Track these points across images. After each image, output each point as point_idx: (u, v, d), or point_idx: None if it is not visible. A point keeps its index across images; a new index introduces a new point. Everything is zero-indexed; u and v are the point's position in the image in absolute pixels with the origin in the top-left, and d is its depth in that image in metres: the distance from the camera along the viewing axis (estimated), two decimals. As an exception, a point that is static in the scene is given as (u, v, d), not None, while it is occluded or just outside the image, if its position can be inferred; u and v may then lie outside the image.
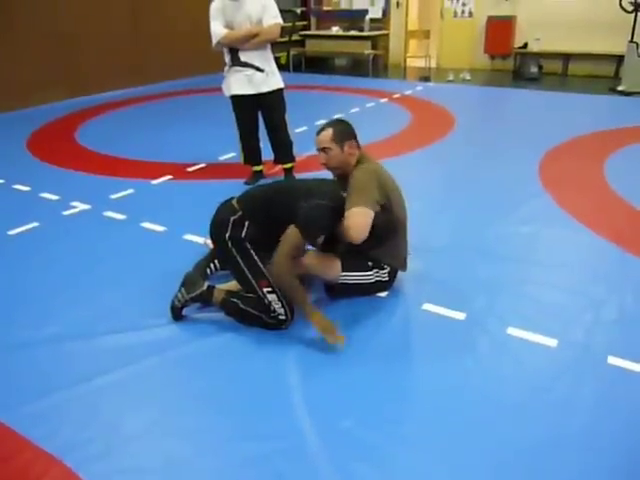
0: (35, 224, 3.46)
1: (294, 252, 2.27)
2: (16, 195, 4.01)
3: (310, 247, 2.46)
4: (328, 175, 2.62)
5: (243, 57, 3.78)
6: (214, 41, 3.76)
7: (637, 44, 7.33)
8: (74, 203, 3.79)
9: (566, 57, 9.05)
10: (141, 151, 5.01)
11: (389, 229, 2.43)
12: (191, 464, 1.71)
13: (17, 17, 6.64)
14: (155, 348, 2.25)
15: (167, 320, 2.42)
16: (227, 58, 3.85)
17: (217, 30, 3.72)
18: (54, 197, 3.93)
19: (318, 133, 2.52)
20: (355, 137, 2.51)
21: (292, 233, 2.23)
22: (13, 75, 6.65)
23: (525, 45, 9.26)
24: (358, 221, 2.26)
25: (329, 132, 2.47)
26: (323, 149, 2.48)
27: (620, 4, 7.52)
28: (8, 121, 6.39)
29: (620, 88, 7.44)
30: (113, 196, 3.92)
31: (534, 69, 8.81)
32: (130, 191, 4.02)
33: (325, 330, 2.19)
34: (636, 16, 7.40)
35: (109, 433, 1.83)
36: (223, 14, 3.70)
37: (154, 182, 4.22)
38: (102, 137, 5.56)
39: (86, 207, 3.73)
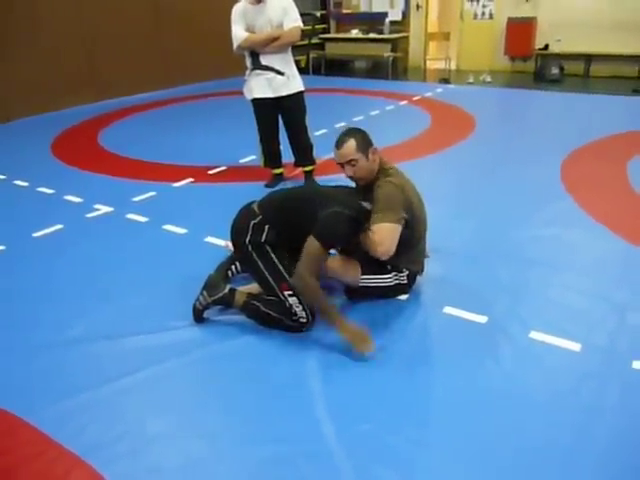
0: (59, 226, 3.52)
1: (315, 267, 2.23)
2: (40, 197, 4.09)
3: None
4: (346, 180, 2.60)
5: (264, 60, 3.81)
6: (235, 45, 3.80)
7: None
8: (97, 205, 3.85)
9: (588, 58, 8.92)
10: (163, 154, 5.07)
11: (408, 245, 2.43)
12: (211, 465, 1.73)
13: (43, 21, 6.77)
14: (178, 350, 2.27)
15: (189, 322, 2.44)
16: (248, 62, 3.88)
17: (238, 34, 3.75)
18: (77, 199, 4.00)
19: (339, 146, 2.43)
20: (372, 144, 2.49)
21: (311, 246, 2.20)
22: (37, 79, 6.77)
23: (546, 46, 9.16)
24: (387, 238, 2.27)
25: (352, 143, 2.40)
26: (349, 161, 2.43)
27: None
28: (32, 125, 6.52)
29: (644, 89, 7.32)
30: (135, 199, 3.97)
31: (555, 70, 8.70)
32: (152, 194, 4.07)
33: (356, 340, 2.18)
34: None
35: (133, 433, 1.86)
36: (244, 18, 3.73)
37: (175, 185, 4.27)
38: (124, 140, 5.64)
39: (109, 209, 3.79)
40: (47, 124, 6.44)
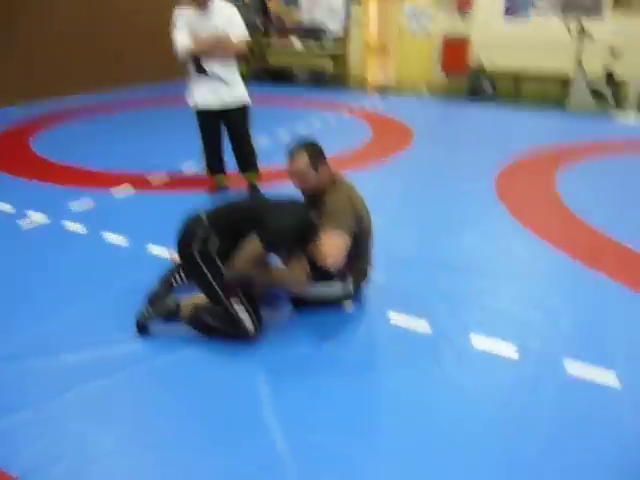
0: (-12, 236, 3.35)
1: (251, 261, 2.28)
2: (-33, 205, 3.87)
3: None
4: (289, 190, 2.62)
5: (208, 68, 3.78)
6: (180, 52, 3.74)
7: (583, 66, 7.71)
8: (30, 214, 3.68)
9: (518, 76, 9.40)
10: (100, 161, 4.91)
11: (355, 255, 2.48)
12: (160, 481, 1.69)
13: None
14: (120, 364, 2.21)
15: (132, 335, 2.38)
16: (192, 68, 3.84)
17: (183, 41, 3.70)
18: (8, 207, 3.80)
19: (291, 158, 2.47)
20: (325, 156, 2.53)
21: (251, 243, 2.26)
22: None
23: (479, 64, 9.57)
24: (336, 250, 2.29)
25: (304, 158, 2.44)
26: (299, 175, 2.47)
27: (567, 29, 7.89)
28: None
29: (569, 107, 7.80)
30: (72, 207, 3.83)
31: (488, 87, 9.11)
32: (90, 202, 3.93)
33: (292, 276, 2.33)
34: (582, 39, 7.78)
35: (75, 452, 1.79)
36: (188, 25, 3.70)
37: (115, 193, 4.15)
38: (59, 145, 5.42)
39: (43, 218, 3.63)
40: (-28, 127, 6.10)
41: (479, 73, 9.38)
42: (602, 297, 2.77)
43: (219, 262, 2.33)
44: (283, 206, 2.37)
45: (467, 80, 9.65)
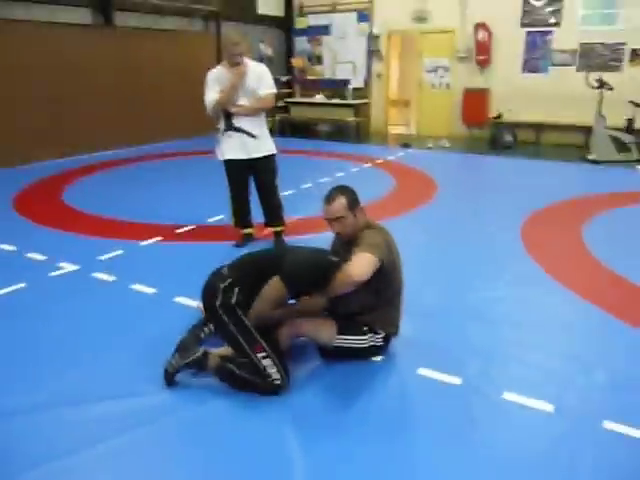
0: (21, 285, 3.41)
1: (274, 303, 2.33)
2: (1, 255, 3.96)
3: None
4: (316, 238, 2.64)
5: (237, 123, 3.90)
6: (208, 107, 3.89)
7: (603, 117, 7.76)
8: (61, 264, 3.76)
9: (538, 127, 9.50)
10: (129, 212, 5.03)
11: (385, 301, 2.46)
12: (188, 541, 1.64)
13: (8, 75, 6.76)
14: (148, 416, 2.19)
15: (160, 386, 2.36)
16: (221, 124, 3.97)
17: (210, 98, 3.86)
18: (41, 257, 3.89)
19: (329, 203, 2.49)
20: (359, 202, 2.56)
21: (272, 286, 2.29)
22: (3, 133, 6.70)
23: (499, 115, 9.71)
24: (362, 265, 2.30)
25: (342, 201, 2.46)
26: (337, 218, 2.48)
27: (586, 81, 8.01)
28: (-7, 180, 6.39)
29: (590, 157, 7.81)
30: (101, 257, 3.90)
31: (509, 138, 9.20)
32: (119, 252, 4.00)
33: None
34: (601, 92, 7.87)
35: (101, 508, 1.75)
36: (218, 82, 3.84)
37: (143, 243, 4.22)
38: (89, 197, 5.58)
39: (74, 268, 3.70)
40: (8, 179, 6.33)
41: (500, 124, 9.51)
42: (633, 346, 2.69)
43: (242, 314, 2.33)
44: (304, 251, 2.40)
45: (488, 131, 9.79)
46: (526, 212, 5.06)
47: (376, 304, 2.42)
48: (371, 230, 2.52)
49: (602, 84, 7.81)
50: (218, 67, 3.93)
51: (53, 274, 3.61)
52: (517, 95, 9.52)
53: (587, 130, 8.57)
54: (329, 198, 2.51)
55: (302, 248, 2.47)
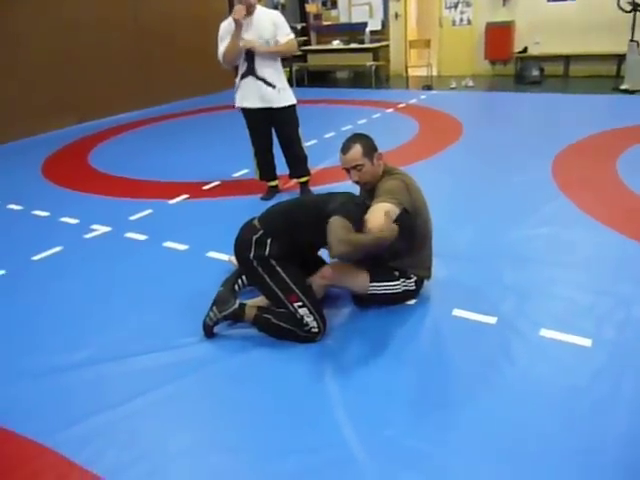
0: (58, 248, 3.50)
1: (345, 230, 2.17)
2: (36, 221, 4.06)
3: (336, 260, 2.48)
4: (341, 187, 2.62)
5: (257, 69, 3.82)
6: (222, 60, 3.84)
7: (637, 43, 7.37)
8: (94, 226, 3.83)
9: (567, 59, 9.09)
10: (155, 172, 5.06)
11: (413, 244, 2.44)
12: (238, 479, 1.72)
13: (24, 42, 6.73)
14: (190, 366, 2.26)
15: (200, 338, 2.43)
16: (241, 68, 3.89)
17: (222, 49, 3.80)
18: (74, 221, 3.97)
19: (345, 152, 2.47)
20: (377, 149, 2.52)
21: (334, 220, 2.18)
22: (23, 102, 6.74)
23: (525, 49, 9.32)
24: (378, 213, 2.26)
25: (358, 149, 2.44)
26: (355, 167, 2.46)
27: (618, 4, 7.57)
28: (21, 148, 6.47)
29: (623, 87, 7.47)
30: (132, 217, 3.96)
31: (535, 72, 8.85)
32: (148, 211, 4.05)
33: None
34: (635, 15, 7.45)
35: (153, 452, 1.84)
36: (231, 34, 3.75)
37: (171, 202, 4.26)
38: (115, 159, 5.62)
39: (107, 229, 3.77)
40: (36, 147, 6.41)
41: (525, 59, 9.14)
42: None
43: (277, 265, 2.35)
44: (337, 197, 2.38)
45: (513, 67, 9.43)
46: (557, 149, 4.91)
47: (405, 249, 2.41)
48: (389, 177, 2.48)
49: (636, 6, 7.38)
50: (230, 18, 3.82)
51: (87, 236, 3.68)
52: (543, 26, 9.07)
53: (619, 58, 8.17)
54: (345, 147, 2.48)
55: (334, 197, 2.41)
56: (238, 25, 3.65)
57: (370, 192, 2.50)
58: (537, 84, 8.65)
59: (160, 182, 4.79)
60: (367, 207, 2.35)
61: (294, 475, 1.71)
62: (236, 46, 3.71)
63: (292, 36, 3.88)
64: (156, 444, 1.88)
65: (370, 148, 2.47)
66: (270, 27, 3.76)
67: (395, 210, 2.30)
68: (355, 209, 2.29)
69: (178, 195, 4.38)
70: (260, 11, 3.79)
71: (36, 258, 3.38)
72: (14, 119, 6.68)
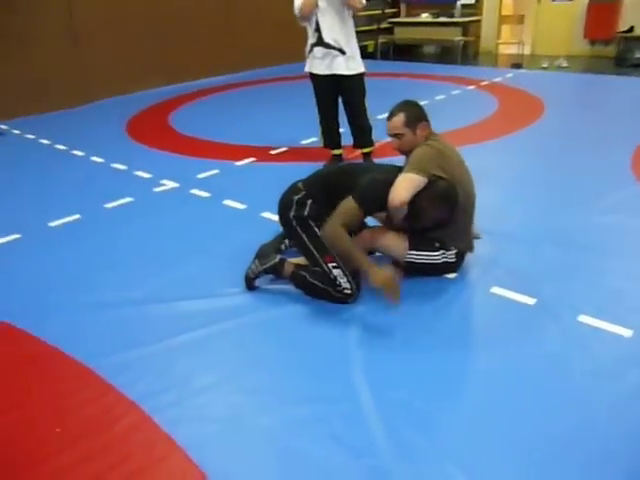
0: (129, 199, 3.76)
1: (347, 221, 2.32)
2: (114, 173, 4.36)
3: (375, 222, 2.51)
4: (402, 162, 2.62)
5: (326, 37, 3.83)
6: (297, 14, 3.87)
7: None
8: (164, 181, 4.07)
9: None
10: (228, 135, 5.25)
11: (454, 200, 2.39)
12: (253, 419, 1.83)
13: (116, 6, 7.09)
14: (229, 314, 2.40)
15: (241, 289, 2.56)
16: (310, 38, 3.93)
17: (297, 3, 3.83)
18: (147, 175, 4.23)
19: (389, 118, 2.50)
20: (426, 118, 2.50)
21: (347, 204, 2.31)
22: (114, 63, 7.14)
23: (631, 29, 8.64)
24: (398, 184, 2.29)
25: (400, 117, 2.45)
26: (395, 135, 2.48)
27: None
28: (109, 107, 6.90)
29: None
30: (199, 175, 4.16)
31: (639, 54, 8.21)
32: (215, 171, 4.24)
33: (385, 285, 2.21)
34: None
35: (182, 385, 1.99)
36: None
37: (238, 163, 4.43)
38: (193, 121, 5.88)
39: (175, 185, 3.99)
40: (122, 106, 6.80)
41: (630, 39, 8.48)
42: None
43: (315, 226, 2.43)
44: (376, 167, 2.40)
45: (615, 48, 8.78)
46: (644, 137, 4.58)
47: (447, 217, 2.39)
48: (423, 145, 2.44)
49: None
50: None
51: (156, 190, 3.93)
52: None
53: None
54: (390, 113, 2.50)
55: (376, 167, 2.46)
56: None
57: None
58: None
59: (231, 145, 4.98)
60: None
61: (304, 421, 1.80)
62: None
63: None
64: (184, 379, 2.03)
65: (415, 118, 2.45)
66: None
67: (420, 181, 2.29)
68: (377, 191, 2.32)
69: (246, 158, 4.54)
70: None
71: (108, 206, 3.66)
72: (104, 79, 7.10)
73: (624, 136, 4.66)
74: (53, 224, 3.40)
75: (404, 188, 2.29)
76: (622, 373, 1.94)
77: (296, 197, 2.47)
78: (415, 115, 2.46)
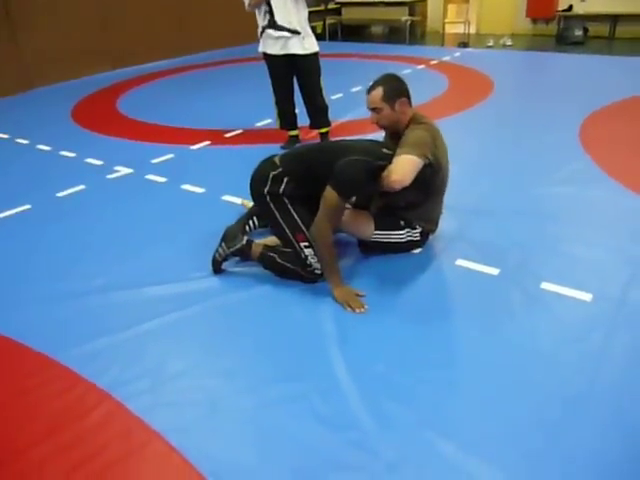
0: (82, 187, 3.62)
1: (332, 214, 2.27)
2: (63, 161, 4.18)
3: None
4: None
5: (279, 19, 3.78)
6: (247, 4, 3.80)
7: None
8: (117, 167, 3.93)
9: (614, 18, 8.67)
10: (180, 119, 5.12)
11: (431, 188, 2.43)
12: (231, 401, 1.81)
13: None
14: (197, 298, 2.36)
15: (208, 273, 2.52)
16: (261, 20, 3.86)
17: None
18: (98, 162, 4.08)
19: (368, 92, 2.46)
20: (407, 94, 2.47)
21: (329, 197, 2.24)
22: (57, 48, 6.82)
23: (570, 7, 8.92)
24: (403, 167, 2.23)
25: (379, 91, 2.41)
26: (374, 109, 2.45)
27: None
28: (53, 93, 6.60)
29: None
30: (154, 160, 4.04)
31: (579, 32, 8.49)
32: (170, 156, 4.13)
33: (346, 302, 2.23)
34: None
35: (154, 372, 1.95)
36: None
37: (193, 147, 4.33)
38: (143, 106, 5.70)
39: (129, 171, 3.87)
40: (67, 92, 6.52)
41: (569, 17, 8.75)
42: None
43: (289, 204, 2.39)
44: (356, 146, 2.36)
45: (555, 26, 9.05)
46: (589, 111, 4.76)
47: (421, 201, 2.41)
48: (417, 126, 2.44)
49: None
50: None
51: (110, 177, 3.79)
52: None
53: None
54: (370, 87, 2.47)
55: (354, 145, 2.40)
56: None
57: (394, 138, 2.47)
58: (580, 45, 8.31)
59: (184, 128, 4.86)
60: (382, 156, 2.32)
61: (283, 399, 1.79)
62: None
63: None
64: (157, 365, 1.98)
65: (394, 93, 2.42)
66: None
67: (420, 164, 2.28)
68: (354, 175, 2.23)
69: (200, 141, 4.44)
70: None
71: (60, 195, 3.51)
72: (48, 64, 6.78)
73: (570, 110, 4.82)
74: (1, 215, 3.24)
75: (410, 171, 2.24)
76: (586, 334, 2.02)
77: (272, 172, 2.40)
78: (394, 90, 2.43)
